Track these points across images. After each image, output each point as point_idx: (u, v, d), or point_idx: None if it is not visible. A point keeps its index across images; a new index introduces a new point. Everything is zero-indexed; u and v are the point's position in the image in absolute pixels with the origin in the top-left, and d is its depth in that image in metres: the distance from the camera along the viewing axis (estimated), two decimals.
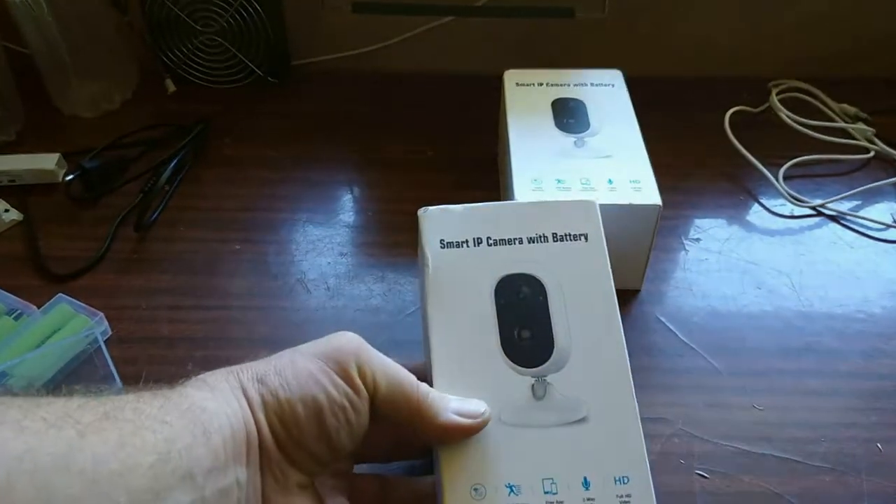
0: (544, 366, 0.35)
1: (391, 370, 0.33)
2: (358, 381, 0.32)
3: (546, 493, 0.32)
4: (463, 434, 0.34)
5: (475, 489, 0.32)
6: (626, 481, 0.33)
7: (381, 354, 0.34)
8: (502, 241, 0.38)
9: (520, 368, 0.35)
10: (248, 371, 0.32)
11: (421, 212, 0.39)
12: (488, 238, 0.38)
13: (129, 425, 0.27)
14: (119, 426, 0.26)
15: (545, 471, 0.33)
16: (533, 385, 0.35)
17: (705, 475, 0.44)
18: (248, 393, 0.31)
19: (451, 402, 0.34)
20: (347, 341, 0.33)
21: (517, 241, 0.38)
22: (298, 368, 0.31)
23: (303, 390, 0.31)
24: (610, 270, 0.38)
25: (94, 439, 0.25)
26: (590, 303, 0.37)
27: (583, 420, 0.34)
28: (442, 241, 0.38)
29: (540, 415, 0.34)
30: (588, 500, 0.32)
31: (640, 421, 0.34)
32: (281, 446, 0.31)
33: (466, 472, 0.33)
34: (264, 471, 0.30)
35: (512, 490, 0.32)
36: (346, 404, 0.31)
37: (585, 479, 0.33)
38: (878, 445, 0.46)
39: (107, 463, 0.25)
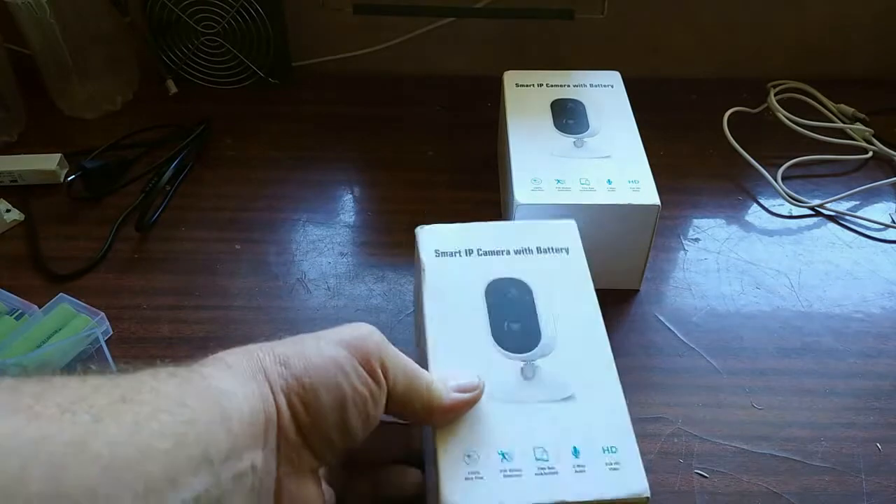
0: (532, 352, 0.37)
1: (409, 367, 0.34)
2: (380, 375, 0.32)
3: (537, 459, 0.33)
4: (465, 409, 0.35)
5: (468, 455, 0.33)
6: (614, 451, 0.34)
7: (398, 350, 0.34)
8: (491, 252, 0.42)
9: (510, 354, 0.37)
10: (269, 353, 0.31)
11: (418, 229, 0.43)
12: (479, 249, 0.42)
13: (146, 408, 0.26)
14: (135, 409, 0.26)
15: (536, 440, 0.34)
16: (522, 368, 0.37)
17: (704, 474, 0.44)
18: (269, 375, 0.30)
19: (449, 382, 0.35)
20: (370, 333, 0.33)
21: (505, 253, 0.42)
22: (324, 355, 0.31)
23: (328, 377, 0.31)
24: (590, 276, 0.41)
25: (110, 424, 0.25)
26: (572, 301, 0.40)
27: (570, 398, 0.36)
28: (437, 250, 0.42)
29: (529, 392, 0.36)
30: (578, 466, 0.33)
31: (624, 401, 0.36)
32: (301, 431, 0.30)
33: (460, 441, 0.34)
34: (280, 455, 0.30)
35: (504, 456, 0.33)
36: (368, 396, 0.31)
37: (575, 447, 0.34)
38: (878, 445, 0.46)
39: (123, 449, 0.24)
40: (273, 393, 0.30)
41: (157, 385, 0.27)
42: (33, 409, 0.24)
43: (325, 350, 0.31)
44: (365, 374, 0.32)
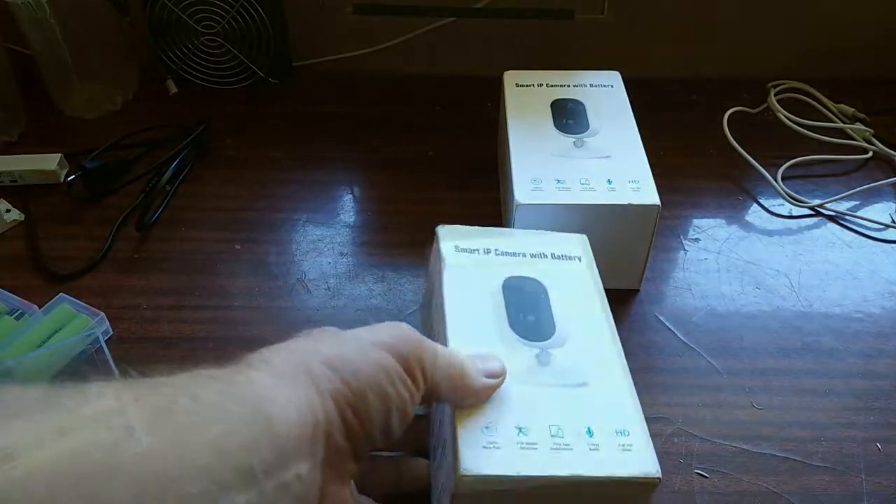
0: (548, 341, 0.38)
1: (446, 364, 0.33)
2: (419, 377, 0.32)
3: (553, 436, 0.34)
4: (490, 393, 0.35)
5: (486, 427, 0.34)
6: (626, 434, 0.35)
7: (435, 345, 0.33)
8: (508, 253, 0.43)
9: (526, 341, 0.38)
10: (314, 354, 0.30)
11: (438, 228, 0.44)
12: (496, 249, 0.43)
13: (186, 418, 0.25)
14: (175, 420, 0.24)
15: (551, 419, 0.35)
16: (538, 354, 0.38)
17: (705, 475, 0.44)
18: (316, 378, 0.29)
19: (477, 363, 0.35)
20: (407, 332, 0.33)
21: (521, 255, 0.43)
22: (370, 359, 0.31)
23: (376, 382, 0.30)
24: (601, 282, 0.43)
25: (146, 438, 0.23)
26: (584, 301, 0.41)
27: (583, 384, 0.37)
28: (456, 246, 0.43)
29: (545, 376, 0.37)
30: (592, 444, 0.34)
31: (635, 392, 0.37)
32: (350, 436, 0.30)
33: (478, 414, 0.35)
34: (325, 461, 0.29)
35: (521, 431, 0.34)
36: (408, 399, 0.31)
37: (588, 428, 0.35)
38: (878, 445, 0.46)
39: (160, 466, 0.23)
40: (321, 397, 0.29)
41: (197, 391, 0.26)
42: (65, 425, 0.23)
43: (371, 353, 0.31)
44: (407, 378, 0.31)
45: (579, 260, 0.44)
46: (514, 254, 0.43)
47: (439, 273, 0.42)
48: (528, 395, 0.36)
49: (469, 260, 0.42)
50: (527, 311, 0.40)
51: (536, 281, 0.41)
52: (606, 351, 0.38)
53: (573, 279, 0.42)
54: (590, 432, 0.34)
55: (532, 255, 0.43)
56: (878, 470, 0.44)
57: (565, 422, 0.35)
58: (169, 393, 0.26)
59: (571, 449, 0.34)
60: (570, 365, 0.37)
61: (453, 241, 0.43)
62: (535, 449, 0.33)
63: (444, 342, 0.38)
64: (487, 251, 0.43)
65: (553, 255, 0.43)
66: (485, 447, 0.33)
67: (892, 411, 0.47)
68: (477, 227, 0.45)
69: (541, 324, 0.39)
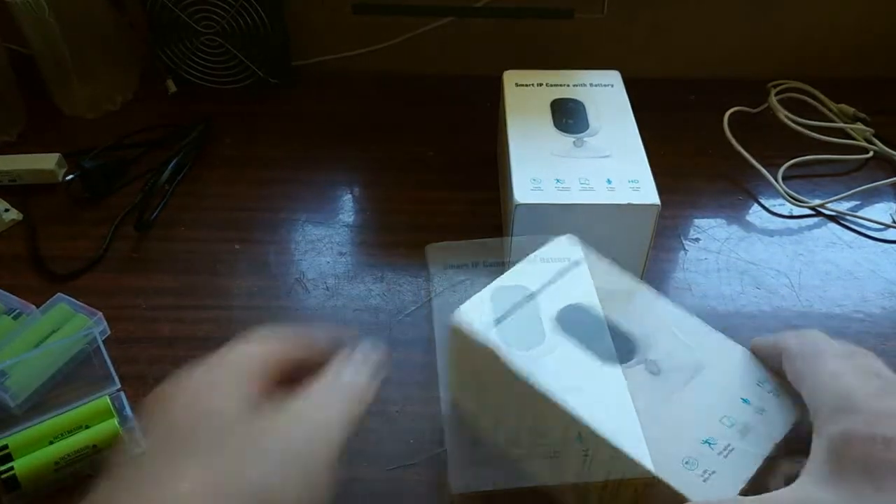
0: (537, 349, 0.38)
1: None
2: None
3: (541, 445, 0.35)
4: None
5: (476, 440, 0.35)
6: (618, 435, 0.35)
7: None
8: (497, 263, 0.44)
9: (515, 352, 0.38)
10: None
11: (427, 247, 0.45)
12: (484, 261, 0.44)
13: None
14: None
15: (540, 427, 0.35)
16: (528, 363, 0.37)
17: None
18: None
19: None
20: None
21: (509, 264, 0.43)
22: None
23: None
24: (592, 281, 0.43)
25: None
26: (576, 303, 0.41)
27: (573, 389, 0.36)
28: (445, 264, 0.44)
29: (535, 386, 0.37)
30: (584, 451, 0.34)
31: (628, 395, 0.36)
32: None
33: (467, 428, 0.36)
34: None
35: (510, 442, 0.35)
36: None
37: (579, 434, 0.35)
38: None
39: None
40: None
41: None
42: None
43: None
44: None
45: (569, 261, 0.43)
46: (502, 263, 0.43)
47: (429, 293, 0.43)
48: (516, 405, 0.36)
49: (458, 276, 0.43)
50: (516, 320, 0.40)
51: (525, 288, 0.42)
52: (598, 352, 0.38)
53: (563, 281, 0.42)
54: (579, 438, 0.34)
55: (521, 263, 0.43)
56: None
57: (555, 429, 0.35)
58: None
59: (561, 457, 0.34)
60: (560, 371, 0.37)
61: (442, 259, 0.44)
62: (525, 459, 0.34)
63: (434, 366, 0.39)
64: (476, 264, 0.44)
65: (543, 259, 0.43)
66: (475, 462, 0.34)
67: None
68: (466, 241, 0.45)
69: (530, 332, 0.39)
